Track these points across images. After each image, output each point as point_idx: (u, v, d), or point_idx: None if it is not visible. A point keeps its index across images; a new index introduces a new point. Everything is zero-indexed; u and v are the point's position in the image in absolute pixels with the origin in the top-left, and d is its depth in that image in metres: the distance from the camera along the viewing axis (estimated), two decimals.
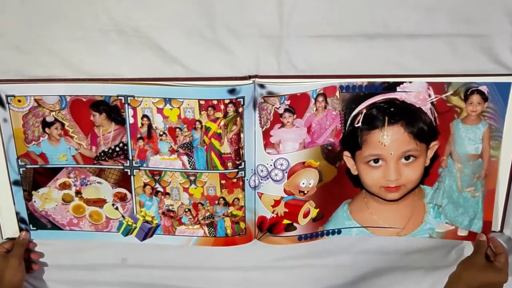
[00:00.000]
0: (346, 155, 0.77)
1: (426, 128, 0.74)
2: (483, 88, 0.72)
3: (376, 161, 0.76)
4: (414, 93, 0.72)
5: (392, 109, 0.73)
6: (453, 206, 0.79)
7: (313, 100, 0.72)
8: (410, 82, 0.72)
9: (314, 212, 0.79)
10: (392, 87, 0.72)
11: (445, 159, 0.77)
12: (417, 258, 0.83)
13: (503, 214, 0.79)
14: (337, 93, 0.72)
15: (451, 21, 0.71)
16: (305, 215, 0.79)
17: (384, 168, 0.76)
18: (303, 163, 0.75)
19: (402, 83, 0.72)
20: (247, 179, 0.77)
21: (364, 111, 0.73)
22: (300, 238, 0.80)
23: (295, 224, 0.79)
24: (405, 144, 0.74)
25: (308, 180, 0.76)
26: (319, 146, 0.75)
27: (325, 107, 0.73)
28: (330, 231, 0.81)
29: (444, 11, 0.71)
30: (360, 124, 0.74)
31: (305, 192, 0.77)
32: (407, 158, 0.75)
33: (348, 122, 0.74)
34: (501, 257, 0.75)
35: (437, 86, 0.72)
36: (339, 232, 0.81)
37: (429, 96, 0.73)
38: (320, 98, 0.72)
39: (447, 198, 0.79)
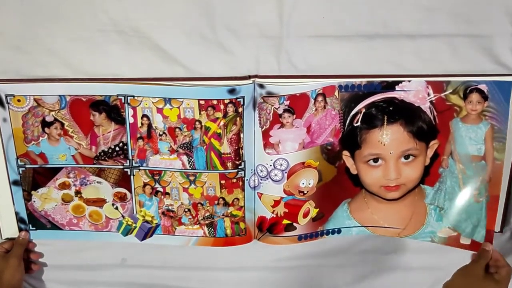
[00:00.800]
0: (345, 154, 0.76)
1: (425, 127, 0.74)
2: (482, 87, 0.72)
3: (375, 160, 0.75)
4: (413, 92, 0.72)
5: (391, 108, 0.73)
6: (455, 210, 0.78)
7: (312, 100, 0.72)
8: (409, 81, 0.72)
9: (314, 212, 0.79)
10: (391, 86, 0.72)
11: (446, 159, 0.76)
12: (417, 258, 0.83)
13: (503, 215, 0.79)
14: (336, 93, 0.72)
15: (451, 21, 0.71)
16: (305, 215, 0.79)
17: (383, 168, 0.76)
18: (303, 163, 0.75)
19: (401, 82, 0.72)
20: (246, 179, 0.76)
21: (363, 110, 0.73)
22: (300, 238, 0.80)
23: (295, 224, 0.79)
24: (404, 143, 0.74)
25: (308, 180, 0.76)
26: (319, 146, 0.75)
27: (325, 107, 0.73)
28: (330, 230, 0.81)
29: (444, 11, 0.71)
30: (359, 123, 0.74)
31: (305, 192, 0.77)
32: (406, 157, 0.75)
33: (347, 121, 0.74)
34: (502, 270, 0.73)
35: (436, 85, 0.72)
36: (339, 231, 0.81)
37: (428, 95, 0.72)
38: (320, 98, 0.72)
39: (449, 201, 0.78)
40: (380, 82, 0.72)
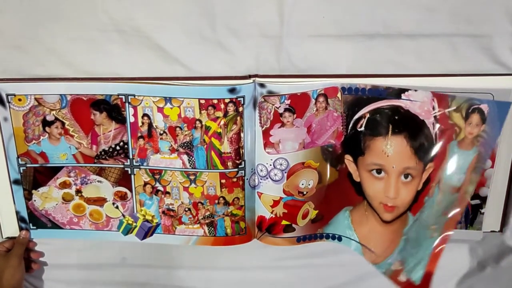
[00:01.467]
0: (348, 159, 0.75)
1: (426, 144, 0.70)
2: (484, 107, 0.67)
3: (379, 171, 0.73)
4: (419, 103, 0.69)
5: (396, 117, 0.70)
6: (413, 243, 0.73)
7: (313, 100, 0.72)
8: (415, 90, 0.69)
9: (313, 214, 0.79)
10: (396, 93, 0.70)
11: (434, 187, 0.72)
12: None
13: (502, 214, 0.78)
14: (339, 95, 0.72)
15: (451, 21, 0.71)
16: (304, 216, 0.78)
17: (385, 182, 0.73)
18: (303, 163, 0.75)
19: (407, 90, 0.70)
20: (247, 179, 0.77)
21: (368, 115, 0.72)
22: (299, 240, 0.80)
23: (293, 226, 0.79)
24: (406, 159, 0.71)
25: (308, 181, 0.76)
26: (319, 146, 0.75)
27: (326, 108, 0.73)
28: (330, 235, 0.80)
29: (444, 11, 0.71)
30: (363, 128, 0.72)
31: (304, 193, 0.77)
32: (406, 176, 0.72)
33: (351, 125, 0.73)
34: None
35: (442, 99, 0.69)
36: (339, 239, 0.80)
37: (433, 108, 0.69)
38: (321, 99, 0.72)
39: (416, 233, 0.73)
40: (385, 88, 0.70)
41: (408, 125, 0.70)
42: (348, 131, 0.73)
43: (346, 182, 0.76)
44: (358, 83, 0.71)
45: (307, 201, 0.77)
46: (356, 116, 0.72)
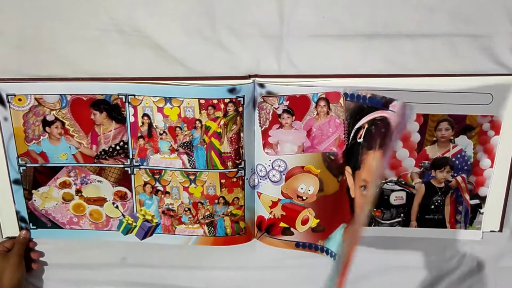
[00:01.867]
0: (348, 171, 0.70)
1: None
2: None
3: (365, 188, 0.66)
4: (396, 115, 0.61)
5: (383, 130, 0.62)
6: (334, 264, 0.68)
7: (313, 104, 0.72)
8: (397, 100, 0.62)
9: (313, 222, 0.78)
10: (388, 103, 0.63)
11: None
12: (416, 258, 0.83)
13: (502, 214, 0.79)
14: (341, 100, 0.71)
15: (451, 21, 0.71)
16: (304, 222, 0.78)
17: (365, 199, 0.66)
18: (302, 167, 0.75)
19: (394, 100, 0.62)
20: (246, 179, 0.77)
21: (366, 126, 0.68)
22: (298, 245, 0.79)
23: (292, 229, 0.79)
24: (377, 177, 0.64)
25: (307, 186, 0.75)
26: (321, 153, 0.74)
27: (328, 113, 0.72)
28: (330, 251, 0.77)
29: (444, 11, 0.71)
30: (361, 139, 0.67)
31: (304, 198, 0.76)
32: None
33: (352, 134, 0.70)
34: None
35: (404, 109, 0.60)
36: (335, 257, 0.76)
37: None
38: (322, 103, 0.71)
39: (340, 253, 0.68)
40: (381, 98, 0.64)
41: (387, 140, 0.62)
42: (349, 140, 0.71)
43: (344, 196, 0.72)
44: (359, 91, 0.68)
45: (307, 207, 0.77)
46: (357, 126, 0.69)
